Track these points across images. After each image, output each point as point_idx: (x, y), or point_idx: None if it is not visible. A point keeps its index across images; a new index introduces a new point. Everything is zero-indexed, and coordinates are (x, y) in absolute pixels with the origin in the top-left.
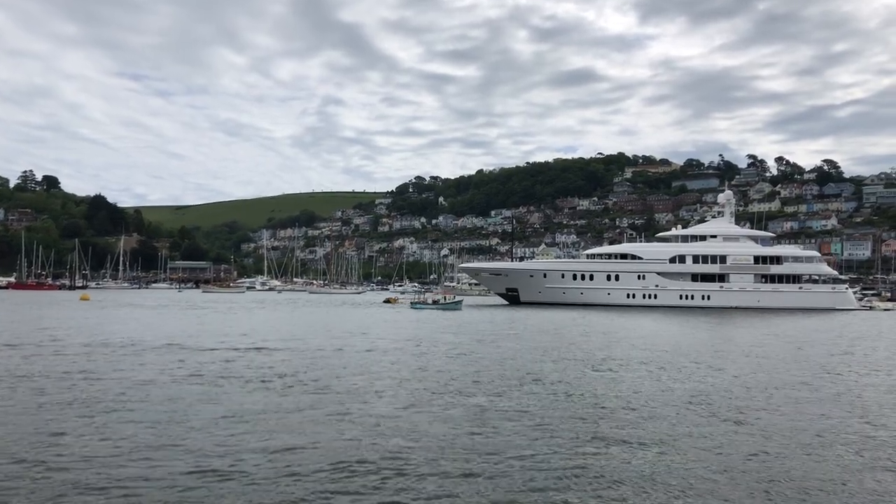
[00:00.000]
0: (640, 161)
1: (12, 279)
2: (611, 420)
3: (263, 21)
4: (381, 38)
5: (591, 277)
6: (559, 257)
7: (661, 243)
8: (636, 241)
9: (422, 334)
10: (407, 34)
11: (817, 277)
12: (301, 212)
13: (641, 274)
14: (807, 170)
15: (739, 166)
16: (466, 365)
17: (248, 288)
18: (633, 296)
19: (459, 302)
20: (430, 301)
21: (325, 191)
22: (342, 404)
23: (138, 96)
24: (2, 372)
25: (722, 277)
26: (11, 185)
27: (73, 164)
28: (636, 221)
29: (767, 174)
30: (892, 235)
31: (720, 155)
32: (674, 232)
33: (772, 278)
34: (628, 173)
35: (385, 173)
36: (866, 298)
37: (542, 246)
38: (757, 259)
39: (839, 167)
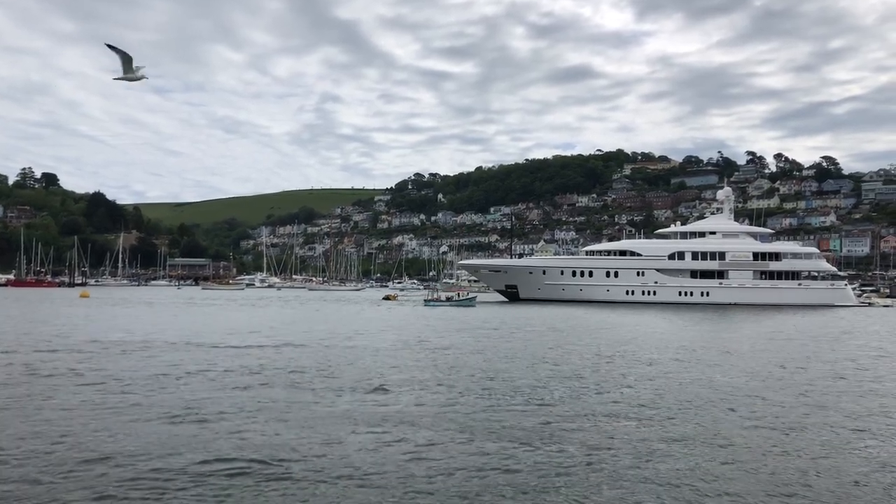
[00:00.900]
0: (640, 158)
1: (11, 276)
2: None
3: (261, 18)
4: (378, 35)
5: (591, 274)
6: (558, 254)
7: (661, 240)
8: (635, 238)
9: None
10: (404, 31)
11: (816, 274)
12: (300, 209)
13: (640, 270)
14: (806, 166)
15: (738, 163)
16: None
17: (248, 285)
18: (633, 292)
19: (473, 299)
20: (443, 298)
21: (324, 188)
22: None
23: (135, 93)
24: (19, 371)
25: (721, 274)
26: (10, 182)
27: (71, 161)
28: (635, 218)
29: (766, 171)
30: (891, 232)
31: (719, 151)
32: (673, 228)
33: (771, 275)
34: (627, 170)
35: (383, 170)
36: (865, 295)
37: (542, 243)
38: (756, 255)
39: (838, 164)
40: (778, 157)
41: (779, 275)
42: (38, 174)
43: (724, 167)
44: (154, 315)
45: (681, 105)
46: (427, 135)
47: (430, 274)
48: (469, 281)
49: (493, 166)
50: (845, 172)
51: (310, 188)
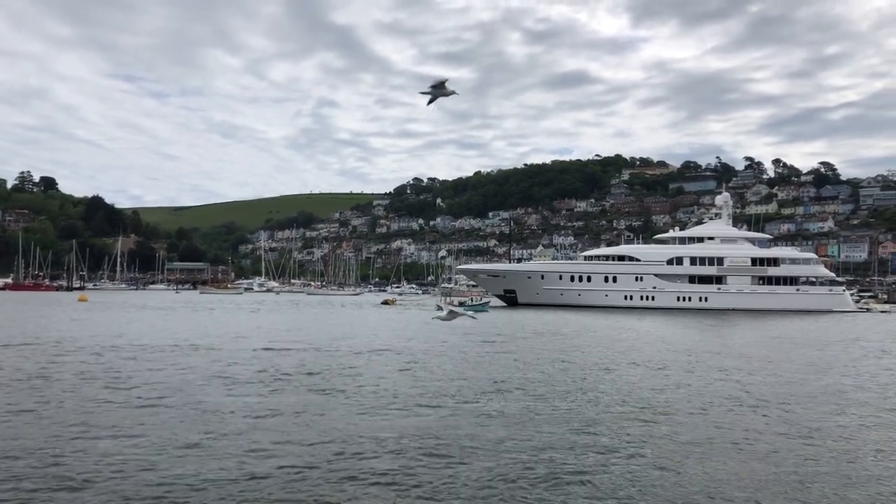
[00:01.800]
0: (638, 163)
1: (9, 280)
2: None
3: (257, 22)
4: (374, 40)
5: (589, 279)
6: (555, 258)
7: (659, 245)
8: (633, 243)
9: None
10: (400, 36)
11: (814, 279)
12: (299, 213)
13: (639, 276)
14: (804, 172)
15: (736, 168)
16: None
17: (246, 289)
18: (631, 297)
19: (486, 303)
20: (456, 303)
21: (322, 192)
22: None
23: (132, 97)
24: (19, 374)
25: (719, 279)
26: (9, 185)
27: (69, 165)
28: (633, 223)
29: (764, 176)
30: (889, 237)
31: (717, 157)
32: (671, 234)
33: (769, 280)
34: (625, 175)
35: (380, 175)
36: (863, 300)
37: (540, 247)
38: (754, 261)
39: (836, 169)
40: (776, 162)
41: (777, 280)
42: (36, 178)
43: (723, 173)
44: (163, 320)
45: (677, 111)
46: (424, 140)
47: (429, 278)
48: (468, 286)
49: (492, 171)
50: (843, 178)
51: (308, 192)
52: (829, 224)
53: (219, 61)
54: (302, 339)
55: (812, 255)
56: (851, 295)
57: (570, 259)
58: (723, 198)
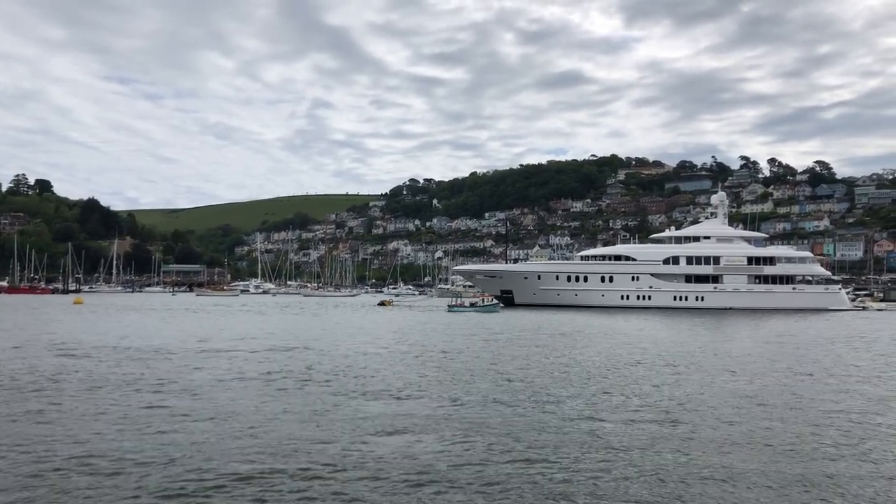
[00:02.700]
0: (633, 163)
1: (4, 283)
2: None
3: (250, 24)
4: (368, 41)
5: (586, 279)
6: (552, 259)
7: (655, 245)
8: (630, 243)
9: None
10: (394, 37)
11: (810, 278)
12: (295, 214)
13: (635, 275)
14: (799, 171)
15: (732, 168)
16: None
17: (242, 291)
18: (627, 297)
19: (497, 304)
20: (467, 304)
21: (317, 193)
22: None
23: (126, 100)
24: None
25: (715, 278)
26: (4, 188)
27: (64, 167)
28: (630, 223)
29: (760, 175)
30: (885, 236)
31: (713, 156)
32: (667, 233)
33: (765, 279)
34: (621, 175)
35: (376, 175)
36: (859, 299)
37: (536, 248)
38: (750, 260)
39: (831, 168)
40: (771, 161)
41: (773, 279)
42: (31, 181)
43: (718, 172)
44: (165, 322)
45: (671, 110)
46: (419, 140)
47: (426, 279)
48: (464, 286)
49: (488, 172)
50: (838, 177)
51: (304, 194)
52: (824, 223)
53: (212, 63)
54: (305, 341)
55: (808, 254)
56: (847, 294)
57: (567, 259)
58: (718, 197)
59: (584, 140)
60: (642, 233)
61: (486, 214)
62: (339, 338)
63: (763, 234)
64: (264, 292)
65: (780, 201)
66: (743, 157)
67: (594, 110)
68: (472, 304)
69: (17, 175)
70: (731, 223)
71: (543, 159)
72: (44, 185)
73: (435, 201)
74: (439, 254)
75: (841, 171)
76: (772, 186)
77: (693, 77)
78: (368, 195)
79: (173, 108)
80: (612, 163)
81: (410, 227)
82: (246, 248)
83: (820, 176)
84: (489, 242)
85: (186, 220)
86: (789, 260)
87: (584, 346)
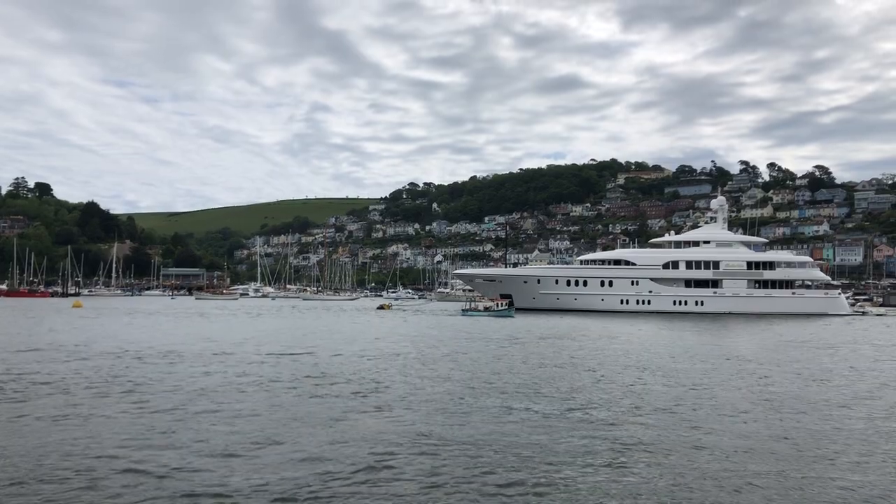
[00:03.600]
0: (633, 167)
1: (4, 286)
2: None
3: (249, 28)
4: (366, 45)
5: (585, 283)
6: (551, 263)
7: (655, 249)
8: (629, 247)
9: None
10: (392, 41)
11: (810, 283)
12: (294, 218)
13: (635, 280)
14: (798, 176)
15: (731, 172)
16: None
17: (242, 295)
18: (627, 301)
19: (511, 309)
20: (481, 308)
21: (318, 197)
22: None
23: (125, 103)
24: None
25: (715, 283)
26: (3, 191)
27: (63, 171)
28: (629, 227)
29: (759, 180)
30: (884, 241)
31: (712, 161)
32: (667, 238)
33: (765, 284)
34: (621, 179)
35: (375, 179)
36: (859, 304)
37: (536, 252)
38: (750, 265)
39: (831, 173)
40: (771, 166)
41: (773, 284)
42: (31, 184)
43: (718, 177)
44: (174, 326)
45: (669, 115)
46: (417, 144)
47: (425, 283)
48: (464, 290)
49: (487, 176)
50: (837, 182)
51: (304, 198)
52: (824, 227)
53: (211, 66)
54: (309, 343)
55: (808, 259)
56: (847, 298)
57: (566, 263)
58: (718, 202)
59: (583, 144)
60: (642, 237)
61: (486, 218)
62: (362, 344)
63: (763, 239)
64: (264, 296)
65: (780, 206)
66: (742, 162)
67: (592, 114)
68: (486, 309)
69: (17, 178)
70: (730, 228)
71: (542, 163)
72: (43, 189)
73: (434, 205)
74: (439, 258)
75: (839, 176)
76: (771, 191)
77: (691, 81)
78: (368, 199)
79: (171, 111)
80: (611, 167)
81: (410, 230)
82: (245, 252)
83: (819, 181)
84: (489, 246)
85: (186, 224)
86: (789, 265)
87: (622, 355)
